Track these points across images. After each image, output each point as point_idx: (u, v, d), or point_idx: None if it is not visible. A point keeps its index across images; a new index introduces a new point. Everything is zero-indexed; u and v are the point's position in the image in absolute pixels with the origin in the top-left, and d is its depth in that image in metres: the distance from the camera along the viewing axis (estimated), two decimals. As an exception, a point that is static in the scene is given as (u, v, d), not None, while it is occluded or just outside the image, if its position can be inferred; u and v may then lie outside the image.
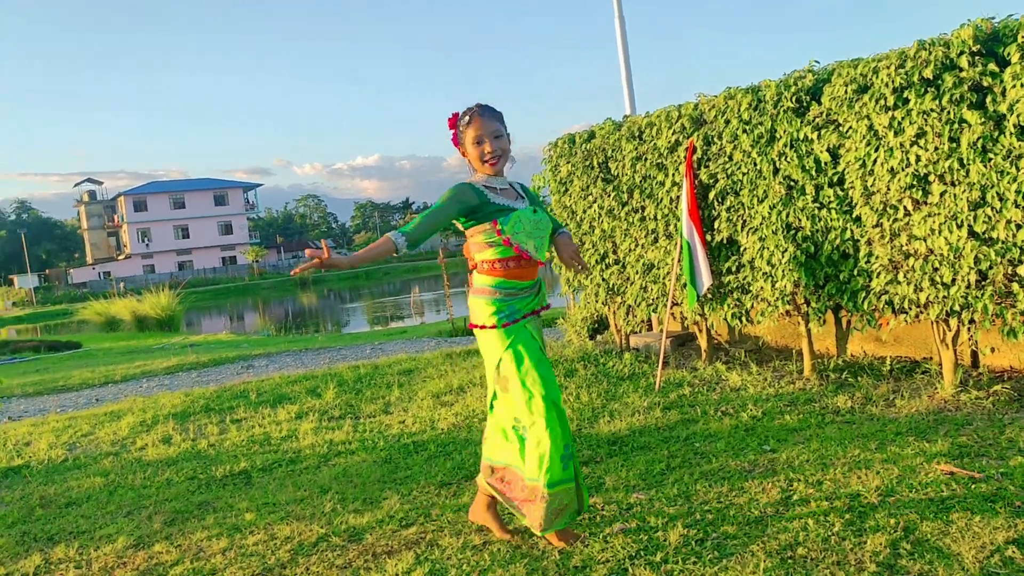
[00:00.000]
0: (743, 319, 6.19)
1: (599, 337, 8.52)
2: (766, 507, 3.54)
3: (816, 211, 5.43)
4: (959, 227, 4.64)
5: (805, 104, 5.49)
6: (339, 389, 7.34)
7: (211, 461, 5.30)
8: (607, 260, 7.32)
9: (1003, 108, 4.41)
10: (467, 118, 3.32)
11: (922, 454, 3.96)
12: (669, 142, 6.39)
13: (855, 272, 5.30)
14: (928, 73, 4.65)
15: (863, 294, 5.28)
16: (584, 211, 7.42)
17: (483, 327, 3.33)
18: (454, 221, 3.32)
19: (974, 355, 5.57)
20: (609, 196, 7.05)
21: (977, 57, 4.52)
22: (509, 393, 3.30)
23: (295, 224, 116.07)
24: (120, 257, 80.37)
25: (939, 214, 4.74)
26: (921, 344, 5.98)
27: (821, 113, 5.37)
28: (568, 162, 7.57)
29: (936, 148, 4.70)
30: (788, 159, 5.52)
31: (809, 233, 5.48)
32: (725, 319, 6.28)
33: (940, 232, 4.74)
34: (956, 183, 4.66)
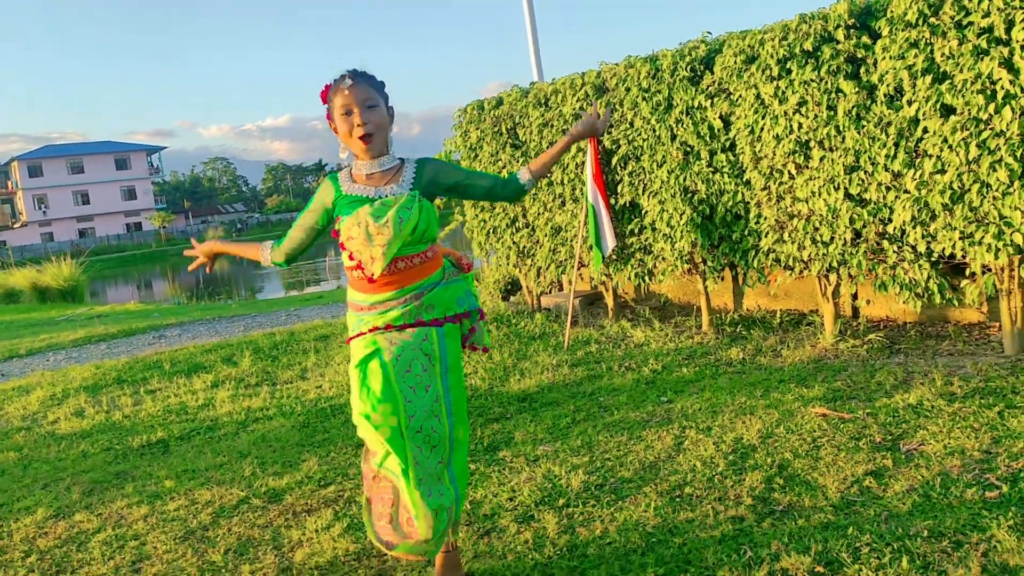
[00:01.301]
0: (646, 278, 6.51)
1: (512, 298, 8.77)
2: (660, 453, 3.85)
3: (711, 175, 5.74)
4: (836, 190, 5.02)
5: (699, 73, 5.77)
6: (255, 357, 7.40)
7: (127, 432, 5.35)
8: (517, 224, 7.54)
9: (875, 78, 4.77)
10: (344, 81, 2.67)
11: (800, 399, 4.33)
12: (574, 109, 6.60)
13: (746, 232, 5.66)
14: (808, 45, 4.97)
15: (753, 253, 5.64)
16: (494, 176, 7.61)
17: (348, 340, 2.82)
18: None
19: (855, 307, 6.03)
20: (518, 161, 7.25)
21: (852, 30, 4.86)
22: None
23: (203, 188, 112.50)
24: (16, 225, 76.61)
25: (819, 178, 5.10)
26: (808, 298, 6.42)
27: (714, 82, 5.66)
28: (478, 128, 7.72)
29: (816, 116, 5.04)
30: (684, 126, 5.81)
31: (704, 196, 5.80)
32: (629, 279, 6.59)
33: (820, 194, 5.11)
34: (833, 149, 5.02)
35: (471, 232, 8.17)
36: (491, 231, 7.88)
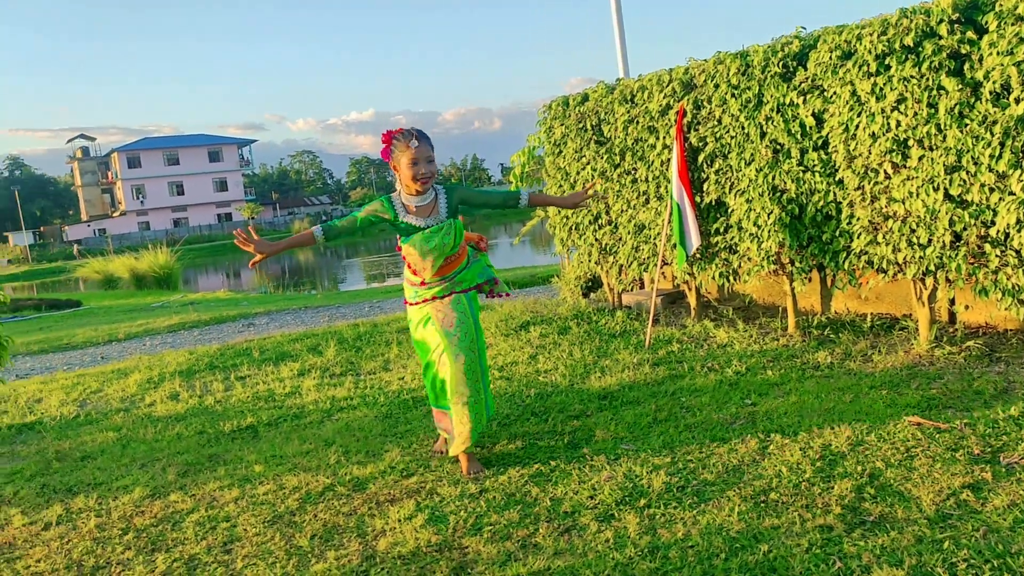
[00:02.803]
0: (731, 278, 6.40)
1: (593, 295, 8.74)
2: (744, 456, 3.78)
3: (801, 174, 5.60)
4: (935, 190, 4.83)
5: (791, 69, 5.64)
6: (339, 347, 7.57)
7: (218, 416, 5.54)
8: (600, 221, 7.51)
9: (980, 75, 4.57)
10: (411, 140, 3.79)
11: (893, 406, 4.20)
12: (660, 106, 6.53)
13: (837, 233, 5.50)
14: (909, 40, 4.79)
15: (844, 254, 5.48)
16: (578, 172, 7.58)
17: (405, 302, 4.24)
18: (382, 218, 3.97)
19: (951, 312, 5.80)
20: (602, 158, 7.21)
21: (956, 25, 4.67)
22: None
23: (290, 180, 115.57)
24: (115, 214, 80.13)
25: (917, 178, 4.92)
26: (902, 301, 6.21)
27: (807, 78, 5.51)
28: (562, 124, 7.71)
29: (915, 114, 4.87)
30: (775, 123, 5.68)
31: (794, 195, 5.66)
32: (713, 278, 6.49)
33: (918, 195, 4.93)
34: (933, 148, 4.83)
35: (553, 229, 8.17)
36: (573, 228, 7.87)
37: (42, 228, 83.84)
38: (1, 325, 5.67)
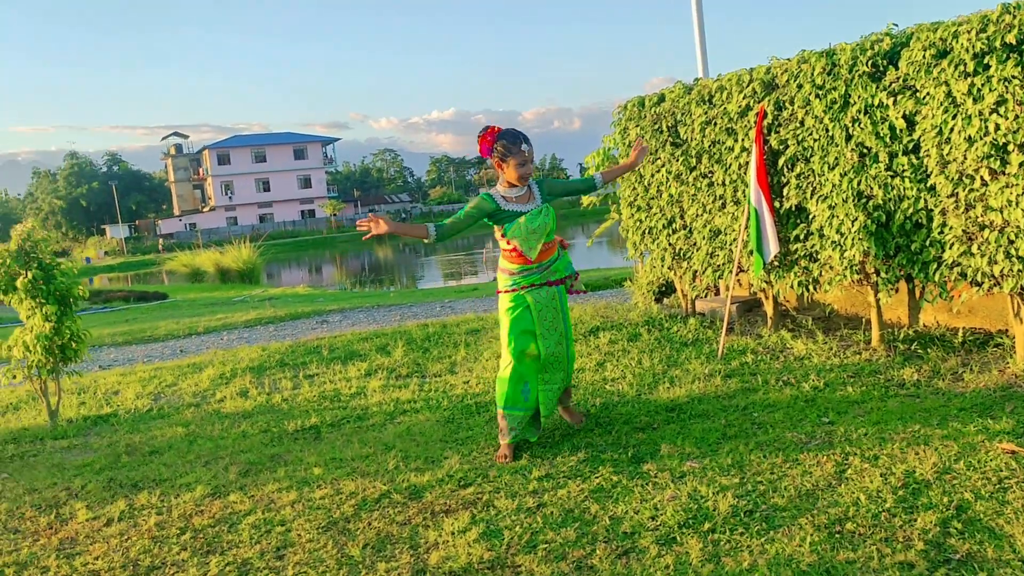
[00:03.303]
0: (810, 287, 6.11)
1: (665, 301, 8.52)
2: (819, 480, 3.56)
3: (889, 179, 5.30)
4: (1038, 199, 4.49)
5: (881, 69, 5.34)
6: (407, 347, 7.55)
7: (284, 415, 5.56)
8: (674, 225, 7.29)
9: (1090, 75, 4.22)
10: (522, 144, 4.29)
11: (984, 431, 3.90)
12: (739, 107, 6.28)
13: (927, 243, 5.18)
14: (1011, 38, 4.47)
15: (935, 265, 5.16)
16: (652, 175, 7.38)
17: (498, 292, 4.53)
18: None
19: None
20: (677, 161, 6.99)
21: (1065, 21, 4.32)
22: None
23: (372, 178, 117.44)
24: (205, 209, 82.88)
25: (1017, 185, 4.59)
26: (997, 316, 5.82)
27: (898, 78, 5.21)
28: (637, 125, 7.52)
29: (1016, 117, 4.53)
30: (862, 125, 5.39)
31: (881, 202, 5.36)
32: (792, 287, 6.21)
33: (1018, 204, 4.59)
34: (1037, 153, 4.49)
35: (626, 232, 7.98)
36: (646, 231, 7.66)
37: (137, 222, 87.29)
38: (79, 319, 5.78)
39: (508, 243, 4.35)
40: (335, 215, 78.19)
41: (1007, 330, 5.75)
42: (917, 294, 6.15)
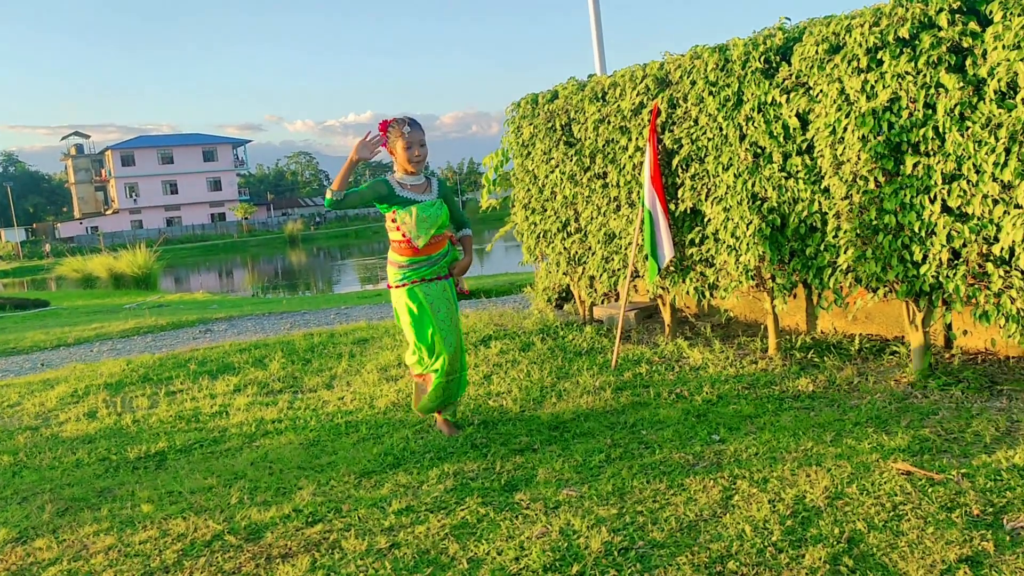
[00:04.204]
0: (707, 294, 5.84)
1: (565, 307, 8.18)
2: (703, 509, 3.22)
3: (783, 181, 5.06)
4: (932, 202, 4.29)
5: (774, 65, 5.09)
6: (286, 360, 7.00)
7: (129, 440, 4.97)
8: (569, 228, 6.94)
9: (983, 72, 4.03)
10: (404, 127, 4.35)
11: (879, 449, 3.64)
12: (633, 104, 5.98)
13: (822, 247, 4.95)
14: (904, 32, 4.26)
15: (829, 271, 4.93)
16: (546, 176, 7.02)
17: (390, 287, 4.58)
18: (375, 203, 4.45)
19: (948, 337, 5.25)
20: (571, 160, 6.66)
21: (957, 15, 4.13)
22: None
23: (286, 181, 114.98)
24: (108, 212, 79.49)
25: (911, 187, 4.38)
26: (894, 322, 5.66)
27: (791, 75, 4.97)
28: (531, 124, 7.15)
29: (911, 115, 4.33)
30: (755, 124, 5.14)
31: (775, 204, 5.11)
32: (688, 293, 5.93)
33: (912, 206, 4.39)
34: (931, 154, 4.29)
35: (520, 236, 7.61)
36: (541, 235, 7.30)
37: (35, 225, 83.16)
38: None
39: (398, 229, 4.38)
40: (246, 218, 76.06)
41: (903, 337, 5.59)
42: (814, 300, 5.96)
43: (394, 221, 4.37)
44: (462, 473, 3.89)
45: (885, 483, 3.27)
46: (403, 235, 4.38)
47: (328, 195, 4.21)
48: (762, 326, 6.39)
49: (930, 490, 3.17)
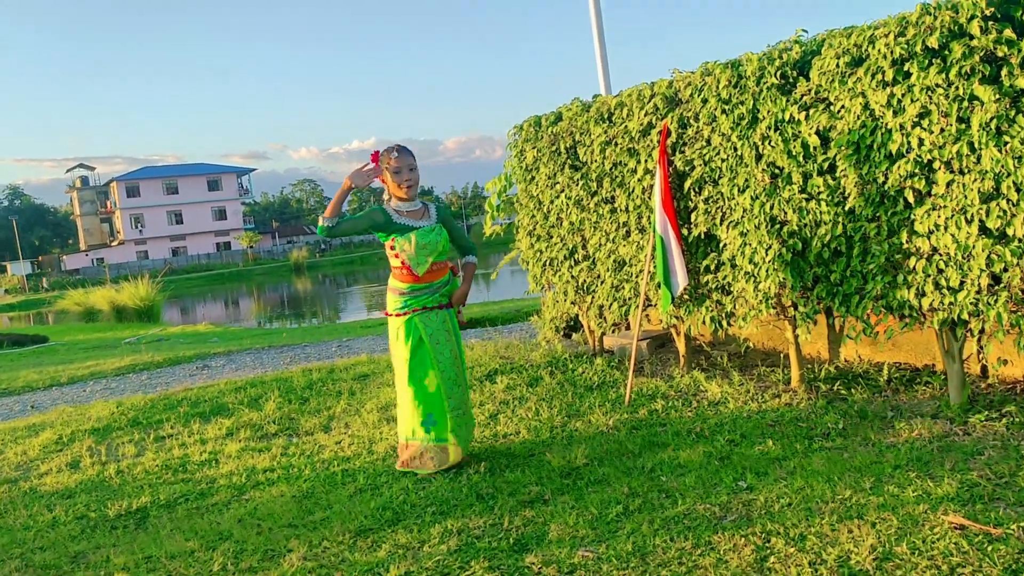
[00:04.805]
0: (724, 323, 5.52)
1: (574, 336, 7.86)
2: (736, 574, 2.88)
3: (804, 203, 4.75)
4: (968, 222, 3.97)
5: (791, 80, 4.80)
6: (283, 399, 6.68)
7: (111, 494, 4.64)
8: (576, 256, 6.63)
9: (1021, 83, 3.73)
10: (392, 152, 4.32)
11: (926, 498, 3.29)
12: (641, 124, 5.69)
13: (848, 273, 4.63)
14: (933, 42, 3.96)
15: (856, 298, 4.60)
16: (551, 201, 6.73)
17: (387, 314, 4.50)
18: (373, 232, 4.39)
19: (983, 366, 4.92)
20: (577, 185, 6.36)
21: (991, 23, 3.83)
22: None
23: (291, 209, 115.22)
24: (113, 243, 79.57)
25: (945, 207, 4.06)
26: (923, 349, 5.32)
27: (809, 90, 4.68)
28: (534, 147, 6.87)
29: (942, 130, 4.02)
30: (772, 143, 4.84)
31: (796, 228, 4.80)
32: (704, 322, 5.61)
33: (946, 228, 4.07)
34: (966, 171, 3.98)
35: (526, 264, 7.31)
36: (547, 263, 7.00)
37: (40, 258, 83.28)
38: None
39: (397, 257, 4.33)
40: (252, 247, 76.06)
41: (933, 365, 5.25)
42: (837, 327, 5.63)
43: (392, 248, 4.33)
44: (467, 530, 3.55)
45: (938, 540, 2.92)
46: (402, 263, 4.33)
47: (321, 222, 4.24)
48: (782, 355, 6.06)
49: (989, 548, 2.83)
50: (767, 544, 3.07)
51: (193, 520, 4.07)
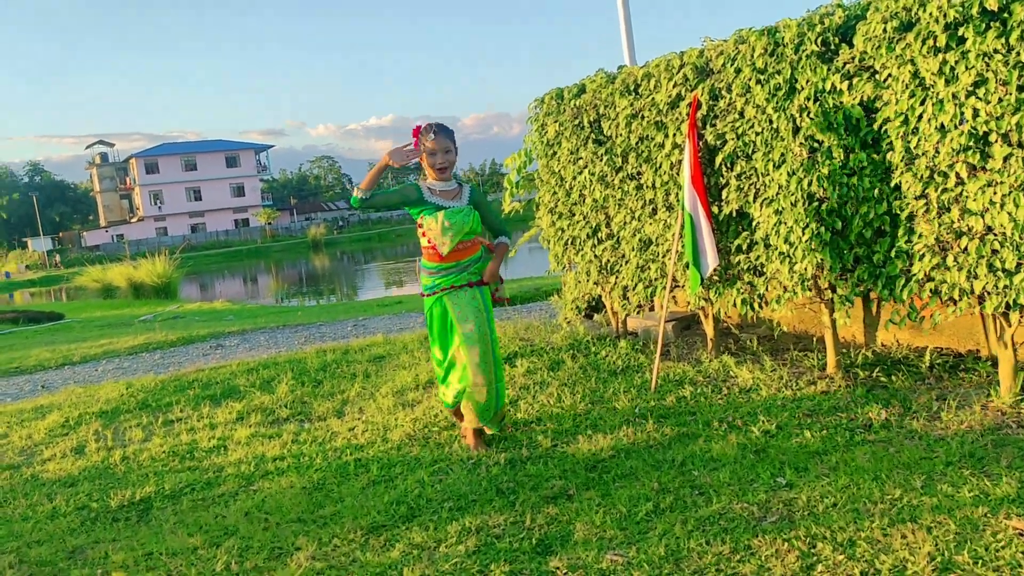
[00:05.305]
0: (755, 305, 5.25)
1: (596, 317, 7.60)
2: (779, 582, 2.64)
3: (845, 179, 4.45)
4: (1029, 200, 3.67)
5: (833, 47, 4.49)
6: (296, 381, 6.47)
7: (115, 482, 4.46)
8: (599, 235, 6.36)
9: (1092, 46, 3.41)
10: (430, 134, 4.35)
11: (984, 499, 3.04)
12: (670, 96, 5.39)
13: (892, 254, 4.34)
14: (992, 4, 3.64)
15: (902, 280, 4.32)
16: (574, 177, 6.44)
17: (421, 294, 4.55)
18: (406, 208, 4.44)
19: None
20: (601, 160, 6.07)
21: (1058, -19, 3.51)
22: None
23: (309, 186, 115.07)
24: (133, 220, 79.87)
25: (1002, 183, 3.76)
26: (966, 334, 5.03)
27: (853, 58, 4.37)
28: (556, 121, 6.57)
29: (1000, 100, 3.71)
30: (811, 115, 4.53)
31: (836, 206, 4.51)
32: (734, 304, 5.34)
33: (1003, 205, 3.77)
34: (1025, 144, 3.67)
35: (547, 243, 7.04)
36: (569, 242, 6.73)
37: (61, 234, 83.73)
38: None
39: (424, 235, 4.37)
40: (270, 224, 76.04)
41: (978, 351, 4.96)
42: (874, 310, 5.35)
43: (421, 227, 4.39)
44: (486, 528, 3.33)
45: (1002, 548, 2.67)
46: (429, 241, 4.38)
47: (356, 193, 4.31)
48: (814, 338, 5.78)
49: (1061, 558, 2.57)
50: (813, 550, 2.82)
51: (198, 513, 3.87)
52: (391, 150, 4.31)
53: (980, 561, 2.61)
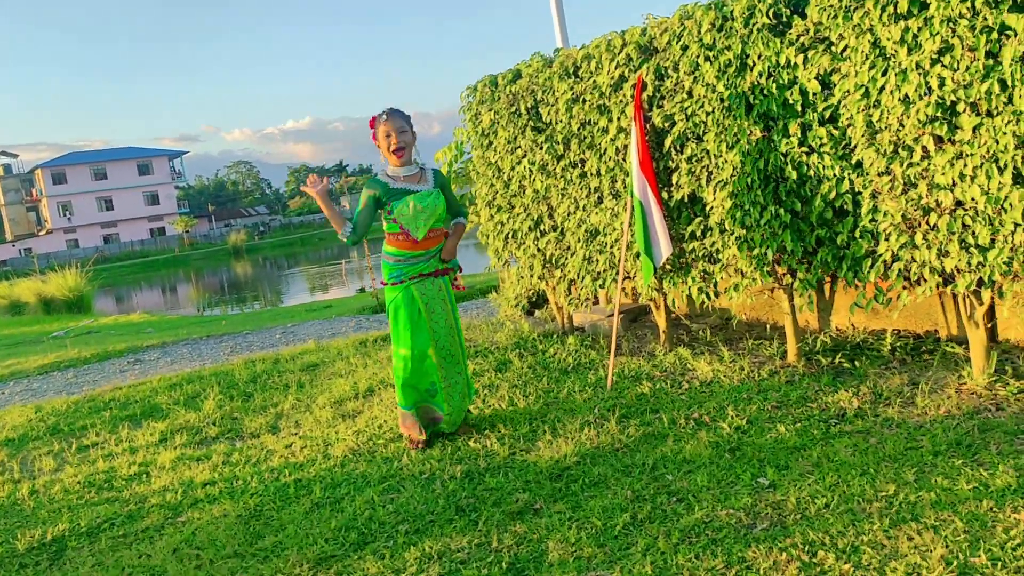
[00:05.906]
0: (711, 294, 5.03)
1: (537, 313, 7.32)
2: (783, 599, 2.38)
3: (803, 157, 4.25)
4: (1001, 171, 3.51)
5: (785, 19, 4.28)
6: (223, 396, 6.00)
7: (23, 520, 3.96)
8: (542, 227, 6.06)
9: (1062, 8, 3.25)
10: (383, 116, 4.27)
11: (985, 491, 2.84)
12: (612, 78, 5.13)
13: (856, 234, 4.15)
14: (956, -35, 3.46)
15: (868, 261, 4.14)
16: (512, 168, 6.13)
17: (383, 284, 4.38)
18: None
19: (990, 330, 4.51)
20: (541, 148, 5.78)
21: (1023, -60, 3.35)
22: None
23: (227, 191, 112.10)
24: (41, 233, 76.37)
25: (972, 154, 3.59)
26: (923, 315, 4.90)
27: (807, 30, 4.16)
28: (491, 109, 6.25)
29: (968, 67, 3.54)
30: (765, 92, 4.32)
31: (794, 186, 4.31)
32: (690, 294, 5.11)
33: (973, 178, 3.60)
34: (995, 112, 3.50)
35: (485, 237, 6.72)
36: (510, 235, 6.41)
37: (-37, 250, 79.59)
38: None
39: (395, 222, 4.24)
40: (187, 231, 73.71)
41: (936, 331, 4.84)
42: (827, 293, 5.20)
43: (391, 214, 4.23)
44: (449, 553, 2.99)
45: (1019, 546, 2.46)
46: (400, 227, 4.24)
47: (342, 239, 4.26)
48: (767, 325, 5.61)
49: (1081, 553, 2.37)
50: (814, 560, 2.57)
51: (119, 552, 3.42)
52: (303, 188, 4.33)
53: (999, 563, 2.39)
